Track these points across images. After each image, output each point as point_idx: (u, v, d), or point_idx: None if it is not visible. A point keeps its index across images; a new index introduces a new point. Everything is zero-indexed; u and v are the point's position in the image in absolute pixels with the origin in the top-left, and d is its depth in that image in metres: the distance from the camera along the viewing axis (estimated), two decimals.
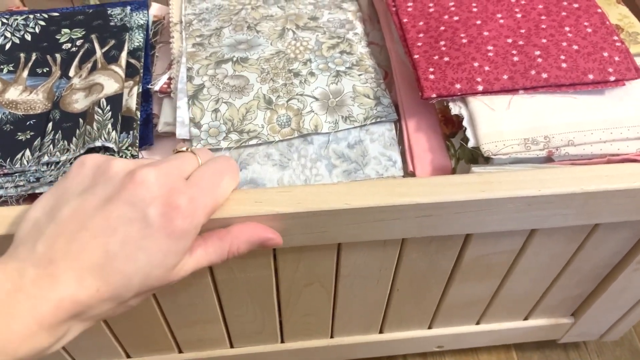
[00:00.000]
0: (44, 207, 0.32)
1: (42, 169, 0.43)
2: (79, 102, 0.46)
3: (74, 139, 0.43)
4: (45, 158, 0.43)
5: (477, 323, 0.62)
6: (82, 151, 0.42)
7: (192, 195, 0.32)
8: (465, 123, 0.41)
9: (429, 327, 0.61)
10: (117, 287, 0.30)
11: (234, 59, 0.49)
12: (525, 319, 0.62)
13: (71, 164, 0.43)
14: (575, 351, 0.72)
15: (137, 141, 0.45)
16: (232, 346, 0.59)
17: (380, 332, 0.61)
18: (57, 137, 0.44)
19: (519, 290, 0.55)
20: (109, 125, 0.44)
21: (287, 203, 0.38)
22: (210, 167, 0.35)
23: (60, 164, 0.43)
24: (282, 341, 0.60)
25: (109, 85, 0.47)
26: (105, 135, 0.43)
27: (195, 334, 0.55)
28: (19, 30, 0.53)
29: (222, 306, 0.51)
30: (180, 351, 0.59)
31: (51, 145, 0.43)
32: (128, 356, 0.59)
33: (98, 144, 0.42)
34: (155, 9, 0.58)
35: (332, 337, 0.60)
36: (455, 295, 0.54)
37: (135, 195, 0.31)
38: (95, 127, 0.43)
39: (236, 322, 0.54)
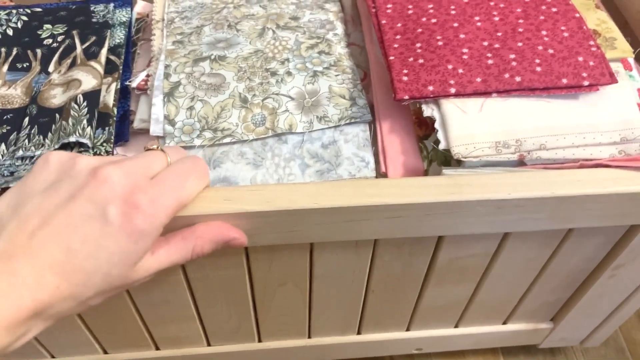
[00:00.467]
0: (7, 203, 0.32)
1: (17, 163, 0.43)
2: (56, 97, 0.46)
3: (50, 134, 0.43)
4: (20, 152, 0.43)
5: (456, 326, 0.62)
6: (56, 146, 0.42)
7: (153, 195, 0.32)
8: (437, 125, 0.41)
9: (407, 329, 0.61)
10: (78, 285, 0.30)
11: (212, 57, 0.49)
12: (504, 323, 0.62)
13: None
14: (561, 352, 0.72)
15: (112, 137, 0.45)
16: (209, 344, 0.59)
17: (358, 333, 0.61)
18: (32, 131, 0.44)
19: (496, 295, 0.55)
20: (84, 121, 0.44)
21: (257, 202, 0.38)
22: (176, 167, 0.35)
23: (34, 158, 0.43)
24: (260, 340, 0.60)
25: (87, 81, 0.47)
26: (80, 131, 0.43)
27: (172, 332, 0.55)
28: (1, 25, 0.53)
29: (197, 304, 0.51)
30: (157, 348, 0.59)
31: (26, 140, 0.43)
32: (105, 352, 0.59)
33: (72, 139, 0.42)
34: (140, 7, 0.58)
35: (309, 337, 0.60)
36: (431, 298, 0.54)
37: (97, 193, 0.30)
38: (70, 123, 0.43)
39: (212, 320, 0.54)
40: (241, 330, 0.57)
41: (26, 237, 0.30)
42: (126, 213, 0.30)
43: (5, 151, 0.44)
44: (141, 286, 0.46)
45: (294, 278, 0.48)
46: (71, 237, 0.30)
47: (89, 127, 0.44)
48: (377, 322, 0.58)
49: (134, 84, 0.48)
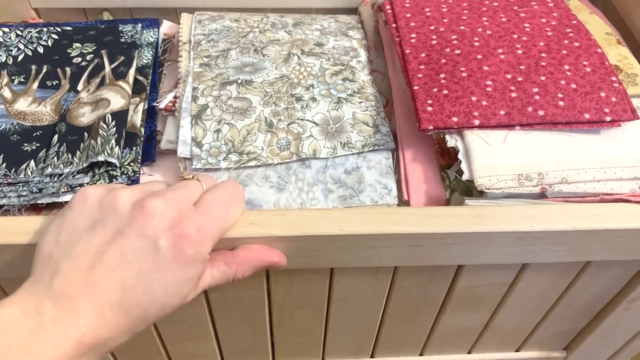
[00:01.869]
0: (56, 242, 0.32)
1: (45, 180, 0.44)
2: (85, 116, 0.47)
3: (78, 152, 0.44)
4: (49, 170, 0.44)
5: (469, 352, 0.62)
6: (84, 165, 0.43)
7: (200, 223, 0.32)
8: (460, 156, 0.42)
9: (421, 354, 0.61)
10: (136, 319, 0.31)
11: (239, 81, 0.50)
12: (517, 350, 0.62)
13: (73, 176, 0.44)
14: None
15: (140, 157, 0.46)
16: None
17: (372, 356, 0.61)
18: (61, 149, 0.45)
19: (511, 322, 0.55)
20: (113, 141, 0.45)
21: (282, 226, 0.39)
22: (218, 194, 0.36)
23: (62, 176, 0.44)
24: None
25: (116, 100, 0.48)
26: (109, 150, 0.44)
27: (187, 349, 0.56)
28: (32, 43, 0.54)
29: (215, 323, 0.51)
30: None
31: (55, 158, 0.44)
32: None
33: (101, 158, 0.43)
34: (166, 27, 0.59)
35: (323, 359, 0.60)
36: (447, 324, 0.54)
37: (146, 227, 0.31)
38: (99, 142, 0.44)
39: (228, 339, 0.55)
40: (256, 350, 0.57)
41: (82, 276, 0.30)
42: (177, 244, 0.31)
43: (34, 168, 0.44)
44: None
45: (312, 301, 0.49)
46: (126, 274, 0.30)
47: (117, 147, 0.45)
48: (391, 346, 0.58)
49: (161, 105, 0.49)
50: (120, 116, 0.47)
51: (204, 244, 0.32)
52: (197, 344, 0.55)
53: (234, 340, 0.55)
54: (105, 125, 0.46)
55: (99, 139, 0.45)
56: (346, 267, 0.43)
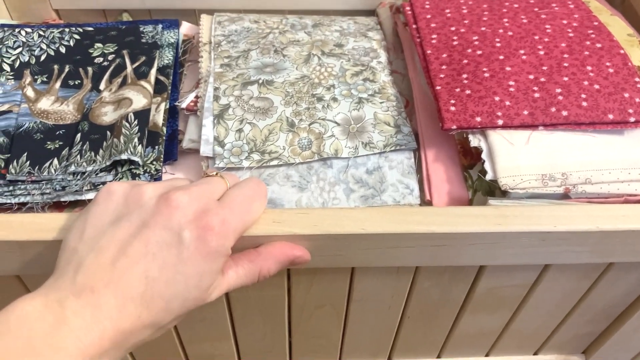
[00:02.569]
0: (80, 237, 0.32)
1: (69, 178, 0.44)
2: (107, 115, 0.47)
3: (101, 150, 0.45)
4: (72, 168, 0.44)
5: (487, 355, 0.61)
6: (107, 163, 0.44)
7: (224, 217, 0.33)
8: (484, 156, 0.42)
9: (438, 356, 0.61)
10: (158, 312, 0.31)
11: (260, 81, 0.50)
12: (535, 353, 0.62)
13: (96, 174, 0.44)
14: None
15: (162, 156, 0.46)
16: None
17: (389, 358, 0.61)
18: (84, 147, 0.45)
19: (530, 325, 0.55)
20: (136, 139, 0.45)
21: (305, 225, 0.39)
22: (242, 191, 0.36)
23: (85, 174, 0.44)
24: None
25: (138, 100, 0.48)
26: (132, 149, 0.44)
27: (205, 349, 0.56)
28: (55, 43, 0.54)
29: (234, 323, 0.51)
30: None
31: (78, 156, 0.45)
32: None
33: (124, 156, 0.44)
34: (185, 28, 0.60)
35: (340, 359, 0.60)
36: (465, 326, 0.54)
37: (171, 220, 0.31)
38: (122, 140, 0.45)
39: (246, 339, 0.55)
40: (274, 350, 0.57)
41: (105, 269, 0.30)
42: (200, 236, 0.31)
43: (57, 166, 0.45)
44: None
45: (332, 301, 0.49)
46: (149, 266, 0.30)
47: (140, 145, 0.45)
48: (409, 347, 0.58)
49: (183, 105, 0.49)
50: (142, 115, 0.47)
51: (227, 237, 0.33)
52: (215, 344, 0.55)
53: (252, 340, 0.55)
54: (127, 124, 0.46)
55: (122, 138, 0.45)
56: (368, 266, 0.43)
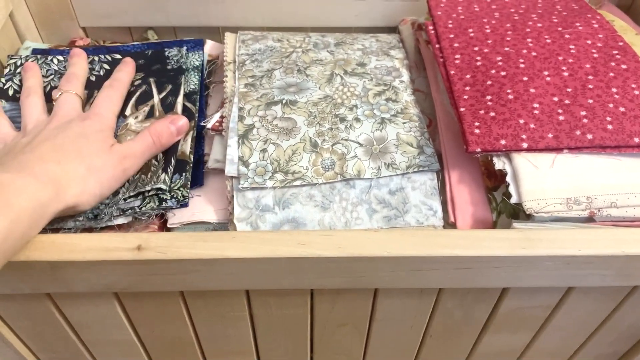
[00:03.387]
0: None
1: (100, 207, 0.45)
2: None
3: (127, 183, 0.45)
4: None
5: None
6: (131, 193, 0.44)
7: (97, 109, 0.48)
8: (508, 179, 0.42)
9: None
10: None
11: (284, 101, 0.51)
12: None
13: (125, 200, 0.45)
14: None
15: (189, 182, 0.47)
16: None
17: None
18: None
19: (552, 345, 0.55)
20: (160, 170, 0.46)
21: (329, 247, 0.39)
22: (100, 95, 0.50)
23: (112, 202, 0.45)
24: None
25: None
26: (155, 179, 0.45)
27: None
28: None
29: (256, 339, 0.52)
30: None
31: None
32: None
33: (148, 187, 0.44)
34: (209, 47, 0.60)
35: None
36: (487, 345, 0.54)
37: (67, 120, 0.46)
38: (148, 176, 0.45)
39: (268, 355, 0.55)
40: None
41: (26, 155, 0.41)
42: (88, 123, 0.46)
43: None
44: (205, 321, 0.48)
45: (354, 320, 0.49)
46: (63, 141, 0.43)
47: (164, 174, 0.45)
48: None
49: (208, 125, 0.50)
50: (171, 149, 0.48)
51: (105, 117, 0.48)
52: (237, 358, 0.55)
53: (274, 356, 0.55)
54: (156, 162, 0.47)
55: (149, 174, 0.45)
56: (391, 288, 0.44)
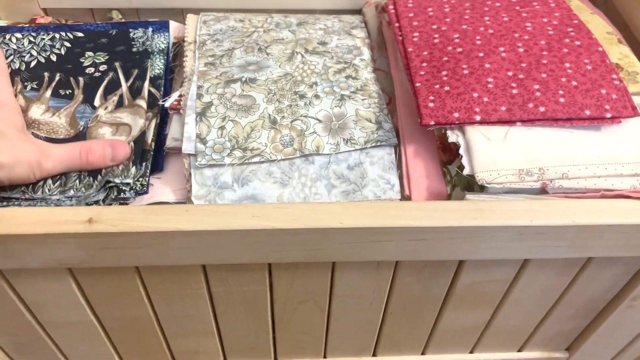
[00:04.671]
0: None
1: (63, 200, 0.44)
2: (105, 137, 0.47)
3: (99, 176, 0.45)
4: (71, 192, 0.44)
5: (471, 352, 0.62)
6: (101, 185, 0.44)
7: None
8: (461, 151, 0.42)
9: (423, 353, 0.61)
10: None
11: (243, 79, 0.51)
12: (519, 350, 0.62)
13: (93, 197, 0.44)
14: None
15: (148, 171, 0.46)
16: (225, 359, 0.60)
17: (374, 355, 0.61)
18: (83, 173, 0.45)
19: (512, 321, 0.55)
20: (130, 163, 0.45)
21: (284, 219, 0.39)
22: None
23: (81, 197, 0.44)
24: (276, 358, 0.60)
25: (135, 123, 0.48)
26: (126, 173, 0.45)
27: (190, 346, 0.56)
28: (45, 51, 0.54)
29: (217, 318, 0.52)
30: None
31: (77, 181, 0.45)
32: None
33: (118, 180, 0.44)
34: (173, 29, 0.60)
35: (325, 357, 0.60)
36: (448, 322, 0.55)
37: None
38: (120, 167, 0.45)
39: (230, 335, 0.55)
40: (258, 347, 0.57)
41: None
42: None
43: (52, 185, 0.44)
44: (163, 299, 0.47)
45: (314, 296, 0.49)
46: None
47: (134, 167, 0.45)
48: (393, 344, 0.59)
49: (166, 104, 0.50)
50: (139, 141, 0.47)
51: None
52: (199, 339, 0.55)
53: (236, 337, 0.55)
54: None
55: (120, 166, 0.45)
56: (348, 261, 0.44)
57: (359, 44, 0.56)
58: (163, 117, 0.51)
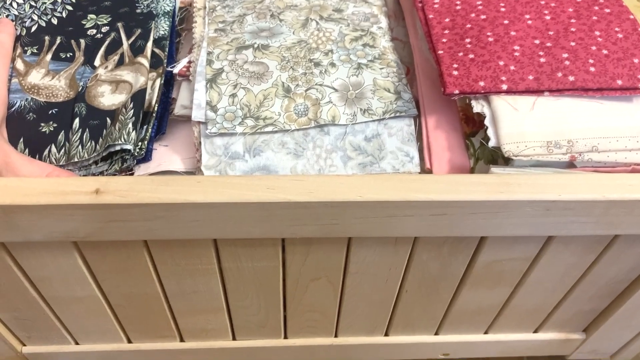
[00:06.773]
0: None
1: (69, 168, 0.43)
2: (104, 96, 0.45)
3: (100, 139, 0.43)
4: (75, 159, 0.43)
5: (485, 332, 0.60)
6: (104, 154, 0.43)
7: None
8: (487, 122, 0.40)
9: (436, 333, 0.60)
10: None
11: (255, 45, 0.48)
12: (535, 331, 0.61)
13: (96, 163, 0.43)
14: None
15: (148, 135, 0.45)
16: (234, 338, 0.58)
17: (386, 334, 0.59)
18: (85, 136, 0.44)
19: (531, 301, 0.54)
20: (130, 125, 0.43)
21: (299, 192, 0.37)
22: None
23: (86, 165, 0.44)
24: (286, 337, 0.59)
25: (137, 81, 0.46)
26: (125, 136, 0.43)
27: (198, 323, 0.55)
28: (46, 15, 0.52)
29: (227, 296, 0.50)
30: (182, 340, 0.58)
31: (80, 146, 0.43)
32: (129, 341, 0.58)
33: (117, 147, 0.42)
34: None
35: (336, 336, 0.59)
36: (464, 302, 0.53)
37: None
38: (117, 127, 0.43)
39: (240, 313, 0.53)
40: (268, 325, 0.56)
41: None
42: None
43: (56, 153, 0.43)
44: (172, 275, 0.46)
45: (328, 273, 0.47)
46: None
47: (134, 131, 0.43)
48: (406, 324, 0.57)
49: (175, 70, 0.48)
50: (138, 97, 0.45)
51: None
52: (209, 317, 0.53)
53: (246, 314, 0.54)
54: (124, 109, 0.44)
55: (117, 124, 0.43)
56: (364, 236, 0.42)
57: (375, 11, 0.53)
58: (168, 80, 0.49)
